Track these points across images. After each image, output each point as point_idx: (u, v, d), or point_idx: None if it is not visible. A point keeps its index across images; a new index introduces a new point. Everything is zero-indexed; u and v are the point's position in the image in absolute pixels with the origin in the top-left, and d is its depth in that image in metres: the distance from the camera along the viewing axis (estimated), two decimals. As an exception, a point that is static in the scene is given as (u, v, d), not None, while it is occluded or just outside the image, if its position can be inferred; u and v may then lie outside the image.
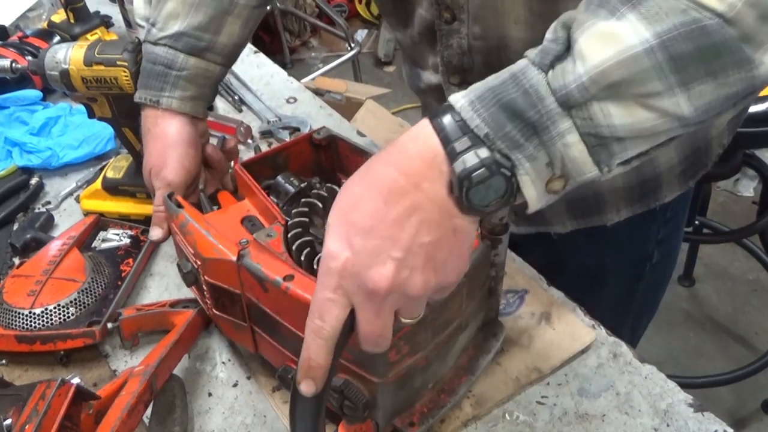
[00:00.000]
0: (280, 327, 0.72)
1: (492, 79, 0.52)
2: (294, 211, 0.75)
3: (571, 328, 0.85)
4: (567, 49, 0.50)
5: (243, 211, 0.81)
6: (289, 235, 0.72)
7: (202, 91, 0.91)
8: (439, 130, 0.51)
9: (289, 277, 0.68)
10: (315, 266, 0.69)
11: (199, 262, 0.76)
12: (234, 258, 0.72)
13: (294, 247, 0.71)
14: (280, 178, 0.83)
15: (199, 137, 0.92)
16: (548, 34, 0.52)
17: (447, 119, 0.51)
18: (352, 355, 0.65)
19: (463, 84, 0.88)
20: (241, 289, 0.74)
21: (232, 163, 0.99)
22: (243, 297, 0.75)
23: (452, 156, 0.50)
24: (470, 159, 0.50)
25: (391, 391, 0.68)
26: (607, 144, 0.51)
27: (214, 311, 0.81)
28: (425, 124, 0.52)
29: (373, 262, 0.51)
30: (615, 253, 1.03)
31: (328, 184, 0.78)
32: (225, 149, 0.97)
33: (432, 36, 0.86)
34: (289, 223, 0.73)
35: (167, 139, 0.88)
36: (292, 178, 0.83)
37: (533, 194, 0.52)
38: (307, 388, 0.54)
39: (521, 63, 0.52)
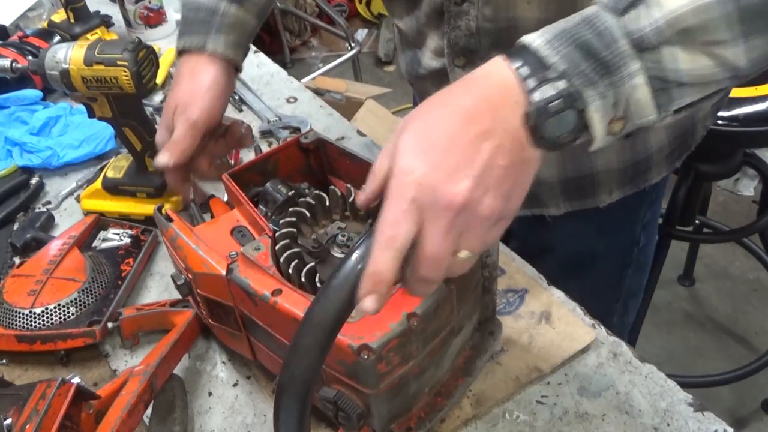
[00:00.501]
0: (274, 337, 0.72)
1: (563, 23, 0.55)
2: (281, 221, 0.75)
3: (571, 328, 0.85)
4: None
5: (233, 222, 0.81)
6: (277, 247, 0.72)
7: (243, 40, 0.94)
8: (517, 66, 0.54)
9: (276, 292, 0.68)
10: (303, 279, 0.69)
11: (190, 276, 0.76)
12: (223, 272, 0.72)
13: (282, 260, 0.70)
14: (268, 186, 0.83)
15: (230, 92, 0.95)
16: None
17: (523, 56, 0.54)
18: (344, 367, 0.65)
19: (468, 66, 0.90)
20: (233, 301, 0.74)
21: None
22: (236, 309, 0.75)
23: (530, 88, 0.53)
24: (548, 90, 0.53)
25: (385, 400, 0.68)
26: (669, 89, 0.54)
27: (210, 321, 0.81)
28: (498, 61, 0.55)
29: (451, 179, 0.51)
30: (606, 238, 1.06)
31: (317, 191, 0.78)
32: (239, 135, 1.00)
33: (439, 18, 0.87)
34: (277, 234, 0.73)
35: (202, 82, 0.90)
36: (280, 186, 0.82)
37: (600, 131, 0.54)
38: (371, 304, 0.52)
39: (592, 9, 0.54)
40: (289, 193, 0.81)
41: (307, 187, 0.84)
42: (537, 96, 0.53)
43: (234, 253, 0.73)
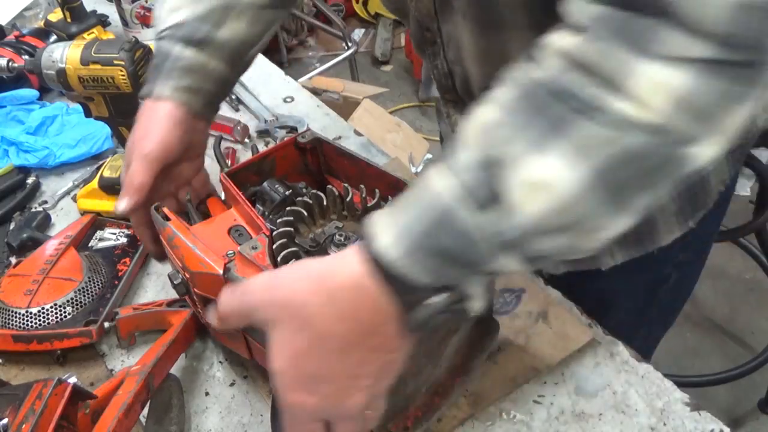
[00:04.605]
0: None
1: (415, 221, 0.52)
2: (279, 220, 0.75)
3: (568, 327, 0.85)
4: (495, 193, 0.50)
5: (230, 221, 0.80)
6: (274, 246, 0.71)
7: (201, 85, 0.84)
8: (383, 283, 0.53)
9: None
10: None
11: (187, 275, 0.76)
12: (220, 271, 0.72)
13: (279, 259, 0.70)
14: (266, 185, 0.83)
15: (191, 126, 0.84)
16: (467, 174, 0.50)
17: (385, 268, 0.52)
18: None
19: (452, 102, 0.91)
20: None
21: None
22: None
23: (406, 306, 0.54)
24: (422, 311, 0.54)
25: None
26: (543, 259, 0.53)
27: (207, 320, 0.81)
28: (362, 275, 0.53)
29: (346, 396, 0.57)
30: (625, 278, 0.99)
31: (314, 191, 0.78)
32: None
33: (423, 53, 0.89)
34: (274, 233, 0.73)
35: (154, 118, 0.82)
36: (277, 185, 0.82)
37: (479, 303, 0.57)
38: None
39: (444, 200, 0.51)
40: (287, 193, 0.81)
41: (304, 187, 0.84)
42: (414, 317, 0.54)
43: (231, 252, 0.73)
